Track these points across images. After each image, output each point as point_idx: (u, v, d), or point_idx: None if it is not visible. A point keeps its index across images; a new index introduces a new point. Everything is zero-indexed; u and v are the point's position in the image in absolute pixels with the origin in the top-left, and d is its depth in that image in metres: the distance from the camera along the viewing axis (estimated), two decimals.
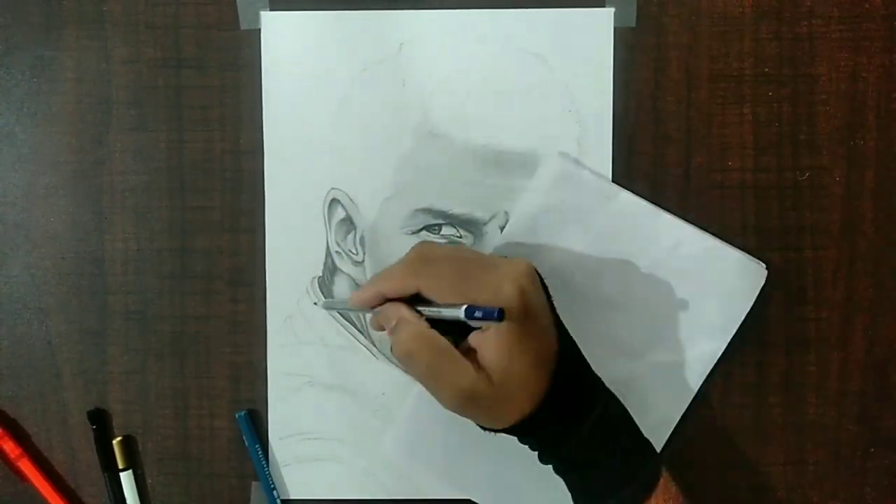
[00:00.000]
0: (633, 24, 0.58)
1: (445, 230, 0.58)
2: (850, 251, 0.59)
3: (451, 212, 0.58)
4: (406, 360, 0.48)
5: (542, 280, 0.50)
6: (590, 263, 0.58)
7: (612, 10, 0.57)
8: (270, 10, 0.57)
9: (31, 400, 0.59)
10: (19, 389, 0.59)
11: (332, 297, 0.58)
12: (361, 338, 0.59)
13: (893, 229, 0.58)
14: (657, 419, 0.58)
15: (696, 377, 0.58)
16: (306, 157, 0.58)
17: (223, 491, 0.60)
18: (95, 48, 0.58)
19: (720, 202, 0.58)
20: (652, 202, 0.58)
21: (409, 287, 0.48)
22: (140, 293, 0.59)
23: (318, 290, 0.59)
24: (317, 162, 0.58)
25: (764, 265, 0.58)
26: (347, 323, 0.59)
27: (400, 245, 0.58)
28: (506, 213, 0.58)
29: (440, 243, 0.58)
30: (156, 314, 0.59)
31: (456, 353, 0.47)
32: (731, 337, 0.58)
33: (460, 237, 0.58)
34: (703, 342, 0.58)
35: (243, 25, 0.58)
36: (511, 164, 0.58)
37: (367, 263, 0.58)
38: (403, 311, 0.48)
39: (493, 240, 0.58)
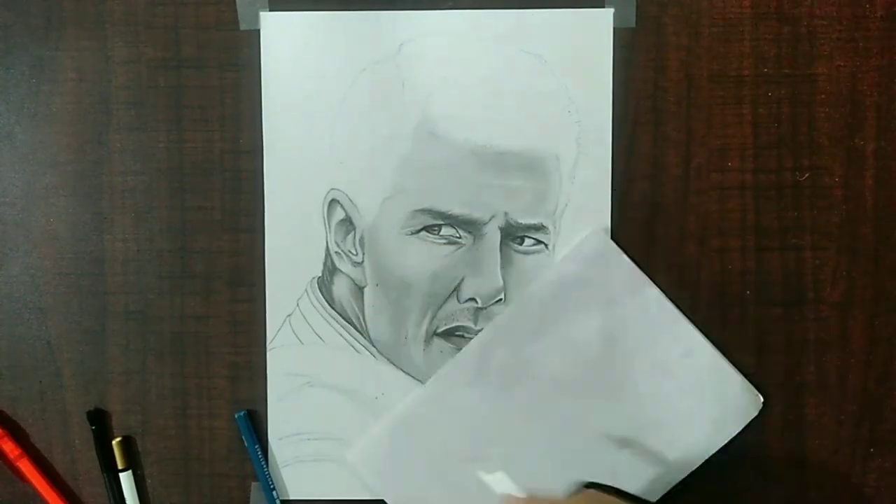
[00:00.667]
0: (632, 24, 0.58)
1: (445, 231, 0.58)
2: (850, 251, 0.59)
3: (450, 212, 0.58)
4: None
5: None
6: (602, 345, 0.58)
7: (612, 10, 0.57)
8: (270, 10, 0.57)
9: (30, 400, 0.59)
10: (19, 390, 0.59)
11: (332, 297, 0.58)
12: (361, 338, 0.59)
13: (892, 229, 0.58)
14: None
15: (663, 484, 0.58)
16: (306, 157, 0.58)
17: (223, 491, 0.60)
18: (95, 48, 0.58)
19: (720, 202, 0.58)
20: (651, 203, 0.58)
21: None
22: (140, 293, 0.59)
23: (317, 290, 0.59)
24: (316, 162, 0.58)
25: (761, 397, 0.58)
26: (347, 323, 0.59)
27: (399, 246, 0.58)
28: (505, 213, 0.58)
29: (439, 243, 0.58)
30: (155, 314, 0.59)
31: None
32: (707, 457, 0.58)
33: (459, 237, 0.58)
34: (680, 453, 0.58)
35: (243, 26, 0.58)
36: (510, 165, 0.58)
37: (366, 264, 0.58)
38: None
39: (493, 240, 0.58)
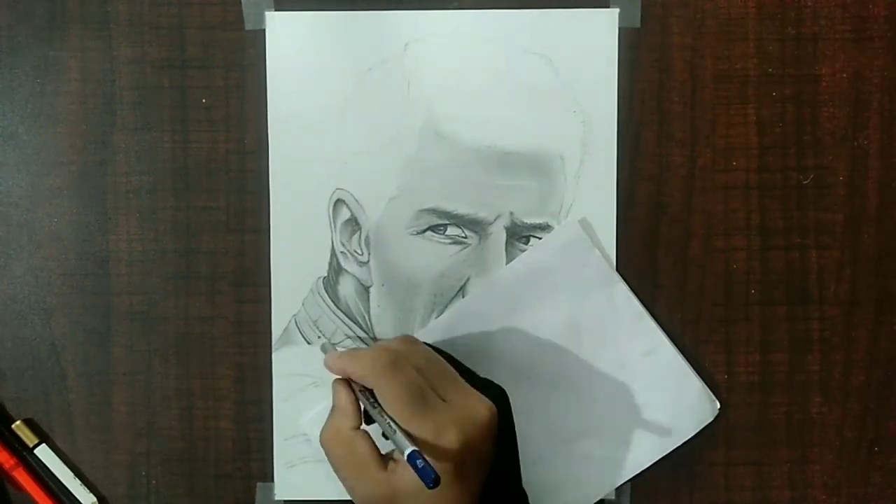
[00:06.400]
0: (637, 24, 0.58)
1: (450, 230, 0.58)
2: (854, 250, 0.59)
3: (456, 212, 0.58)
4: (322, 448, 0.49)
5: (505, 418, 0.50)
6: (563, 336, 0.58)
7: (617, 10, 0.58)
8: (275, 10, 0.57)
9: (34, 401, 0.59)
10: (23, 391, 0.59)
11: (338, 297, 0.58)
12: (367, 337, 0.59)
13: None
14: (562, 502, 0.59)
15: (610, 481, 0.58)
16: (311, 157, 0.58)
17: (228, 492, 0.59)
18: (99, 48, 0.58)
19: (724, 202, 0.58)
20: (656, 203, 0.58)
21: (367, 384, 0.49)
22: (144, 294, 0.59)
23: (322, 290, 0.58)
24: (321, 162, 0.58)
25: (718, 403, 0.58)
26: (352, 323, 0.59)
27: (405, 246, 0.58)
28: (511, 213, 0.58)
29: (444, 242, 0.58)
30: (160, 315, 0.59)
31: (368, 462, 0.47)
32: (658, 458, 0.58)
33: (465, 237, 0.58)
34: (632, 451, 0.58)
35: (248, 26, 0.58)
36: (516, 165, 0.58)
37: (372, 264, 0.58)
38: (342, 398, 0.49)
39: (499, 240, 0.58)
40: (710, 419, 0.58)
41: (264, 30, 0.58)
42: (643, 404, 0.58)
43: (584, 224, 0.58)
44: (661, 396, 0.58)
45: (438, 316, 0.58)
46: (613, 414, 0.58)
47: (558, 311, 0.58)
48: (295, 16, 0.58)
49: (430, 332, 0.58)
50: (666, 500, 0.59)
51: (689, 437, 0.58)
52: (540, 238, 0.58)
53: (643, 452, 0.58)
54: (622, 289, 0.58)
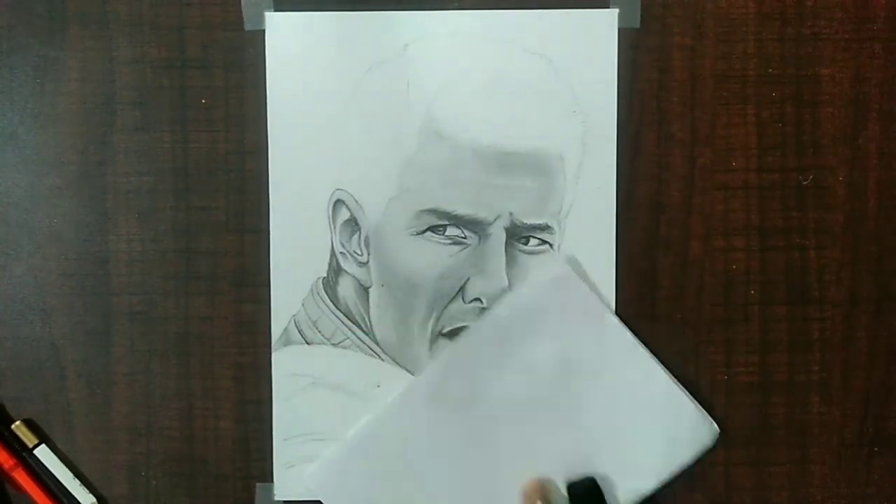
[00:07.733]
0: (637, 24, 0.58)
1: (450, 231, 0.58)
2: (854, 251, 0.59)
3: (455, 213, 0.58)
4: None
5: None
6: (556, 373, 0.58)
7: (616, 10, 0.58)
8: (275, 10, 0.57)
9: (34, 402, 0.59)
10: (22, 391, 0.59)
11: (337, 297, 0.58)
12: (366, 338, 0.59)
13: None
14: None
15: None
16: (311, 157, 0.58)
17: (227, 492, 0.59)
18: (99, 48, 0.58)
19: (724, 203, 0.58)
20: (656, 203, 0.58)
21: None
22: (144, 294, 0.59)
23: (322, 290, 0.58)
24: (321, 163, 0.58)
25: (716, 426, 0.58)
26: (352, 323, 0.59)
27: (405, 246, 0.58)
28: (510, 213, 0.58)
29: (444, 243, 0.58)
30: (160, 315, 0.59)
31: None
32: (660, 483, 0.58)
33: (465, 237, 0.58)
34: (633, 479, 0.58)
35: (248, 26, 0.58)
36: (516, 165, 0.58)
37: (371, 265, 0.58)
38: None
39: (498, 240, 0.58)
40: (710, 444, 0.58)
41: (264, 30, 0.58)
42: (641, 435, 0.58)
43: (572, 261, 0.58)
44: (658, 425, 0.58)
45: (438, 317, 0.58)
46: (612, 447, 0.58)
47: (550, 348, 0.58)
48: (295, 16, 0.58)
49: (428, 378, 0.58)
50: (666, 500, 0.59)
51: (690, 462, 0.58)
52: (539, 238, 0.58)
53: (644, 481, 0.58)
54: (612, 321, 0.58)
